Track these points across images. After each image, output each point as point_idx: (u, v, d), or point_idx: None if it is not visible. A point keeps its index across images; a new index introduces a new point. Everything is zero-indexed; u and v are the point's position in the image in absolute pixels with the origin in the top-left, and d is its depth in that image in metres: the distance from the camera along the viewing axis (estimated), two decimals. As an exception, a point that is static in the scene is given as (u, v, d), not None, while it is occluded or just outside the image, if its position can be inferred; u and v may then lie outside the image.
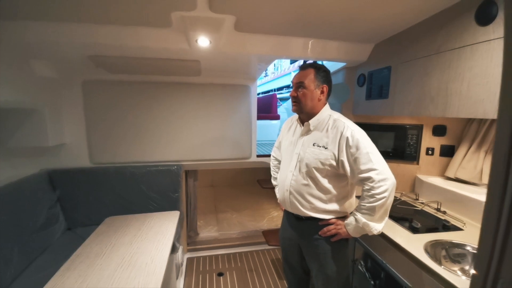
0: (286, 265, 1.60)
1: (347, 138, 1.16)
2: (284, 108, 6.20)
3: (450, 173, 1.80)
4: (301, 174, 1.29)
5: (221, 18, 1.31)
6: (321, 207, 1.27)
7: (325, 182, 1.25)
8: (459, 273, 1.02)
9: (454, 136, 1.85)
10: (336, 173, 1.24)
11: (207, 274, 2.33)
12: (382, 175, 1.12)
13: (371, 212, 1.14)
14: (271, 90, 12.73)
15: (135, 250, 1.35)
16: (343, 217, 1.30)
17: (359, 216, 1.18)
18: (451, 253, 1.19)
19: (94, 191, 2.08)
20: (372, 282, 1.42)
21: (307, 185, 1.27)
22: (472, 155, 1.67)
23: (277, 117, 4.32)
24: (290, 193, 1.33)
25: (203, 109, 2.34)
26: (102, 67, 1.87)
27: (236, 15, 1.32)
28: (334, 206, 1.28)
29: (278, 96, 5.85)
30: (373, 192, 1.12)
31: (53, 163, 2.04)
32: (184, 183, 2.48)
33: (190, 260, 2.52)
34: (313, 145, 1.27)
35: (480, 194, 1.47)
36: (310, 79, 1.26)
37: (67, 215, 2.02)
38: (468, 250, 1.17)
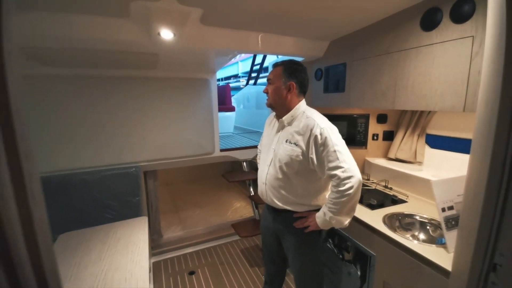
0: (265, 251, 1.67)
1: (316, 136, 1.19)
2: (234, 99, 6.15)
3: (391, 154, 2.12)
4: (275, 169, 1.34)
5: (188, 11, 1.23)
6: (295, 200, 1.32)
7: (297, 177, 1.29)
8: (411, 238, 1.24)
9: (393, 123, 2.17)
10: (308, 169, 1.27)
11: (178, 275, 2.26)
12: (348, 173, 1.14)
13: (337, 207, 1.18)
14: (219, 80, 12.48)
15: (108, 267, 1.22)
16: (317, 210, 1.33)
17: (326, 210, 1.23)
18: (403, 222, 1.43)
19: (35, 206, 1.77)
20: (340, 256, 1.61)
21: (280, 179, 1.32)
22: (407, 138, 2.00)
23: (232, 109, 4.30)
24: (266, 185, 1.39)
25: (160, 105, 2.18)
26: (35, 59, 1.56)
27: (204, 8, 1.26)
28: (307, 200, 1.32)
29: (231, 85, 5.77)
30: (339, 188, 1.15)
31: None
32: (143, 184, 2.31)
33: (156, 264, 2.39)
34: (286, 141, 1.31)
35: (416, 171, 1.79)
36: (276, 76, 1.30)
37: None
38: (416, 219, 1.43)
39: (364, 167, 2.23)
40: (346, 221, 1.23)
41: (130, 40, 1.39)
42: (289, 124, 1.33)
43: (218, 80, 12.42)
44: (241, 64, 11.14)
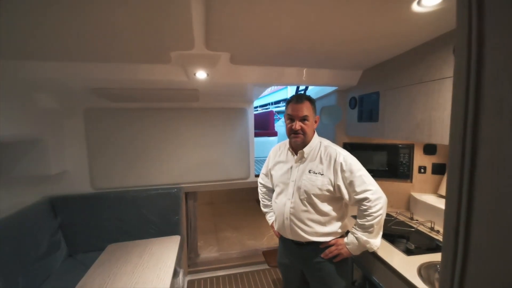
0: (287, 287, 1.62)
1: (341, 164, 1.26)
2: (282, 122, 6.29)
3: (443, 191, 1.85)
4: (299, 201, 1.33)
5: (217, 55, 1.40)
6: (321, 230, 1.32)
7: (323, 206, 1.31)
8: (452, 296, 1.05)
9: (444, 155, 1.91)
10: (333, 197, 1.31)
11: (208, 297, 2.32)
12: (377, 194, 1.22)
13: (370, 229, 1.23)
14: (268, 104, 12.92)
15: (137, 280, 1.37)
16: (341, 236, 1.36)
17: (359, 234, 1.25)
18: (444, 275, 1.22)
19: (95, 217, 2.10)
20: (371, 304, 1.44)
21: (306, 211, 1.32)
22: (462, 173, 1.73)
23: (274, 134, 4.40)
24: (291, 220, 1.36)
25: (201, 133, 2.41)
26: (104, 97, 1.95)
27: (231, 52, 1.41)
28: (333, 228, 1.33)
29: (275, 110, 5.95)
30: (370, 211, 1.21)
31: (54, 190, 2.08)
32: (184, 204, 2.51)
33: (191, 283, 2.51)
34: (309, 172, 1.33)
35: (471, 213, 1.52)
36: (310, 112, 1.32)
37: (68, 241, 2.04)
38: (459, 273, 1.20)
39: (409, 203, 1.99)
40: (379, 242, 1.27)
41: (173, 80, 1.63)
42: (308, 155, 1.35)
43: (268, 104, 12.86)
44: (290, 88, 11.37)
